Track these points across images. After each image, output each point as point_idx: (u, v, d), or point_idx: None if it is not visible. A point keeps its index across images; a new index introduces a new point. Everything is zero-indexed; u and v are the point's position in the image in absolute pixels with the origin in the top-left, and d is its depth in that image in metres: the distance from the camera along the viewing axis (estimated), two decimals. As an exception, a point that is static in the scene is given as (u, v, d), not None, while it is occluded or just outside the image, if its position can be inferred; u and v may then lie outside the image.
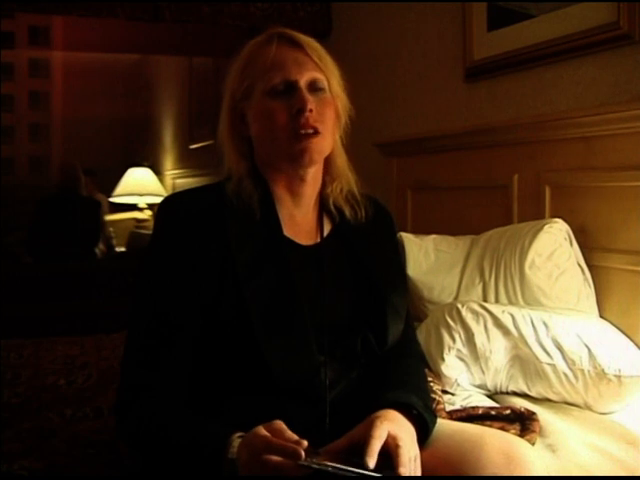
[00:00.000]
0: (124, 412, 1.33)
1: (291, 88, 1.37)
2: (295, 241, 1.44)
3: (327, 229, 1.50)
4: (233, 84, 1.44)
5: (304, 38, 1.42)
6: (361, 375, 1.43)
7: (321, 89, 1.39)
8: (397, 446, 1.21)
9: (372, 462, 1.18)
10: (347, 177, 1.51)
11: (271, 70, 1.37)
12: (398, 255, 1.63)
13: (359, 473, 1.15)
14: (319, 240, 1.48)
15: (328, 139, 1.41)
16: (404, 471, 1.19)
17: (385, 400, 1.32)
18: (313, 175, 1.45)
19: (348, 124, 1.50)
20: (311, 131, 1.36)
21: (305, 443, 1.12)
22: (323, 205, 1.51)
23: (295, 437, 1.14)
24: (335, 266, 1.47)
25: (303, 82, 1.37)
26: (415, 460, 1.24)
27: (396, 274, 1.55)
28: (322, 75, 1.40)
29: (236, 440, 1.18)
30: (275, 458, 1.11)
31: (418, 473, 1.23)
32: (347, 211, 1.50)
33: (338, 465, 1.14)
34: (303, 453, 1.10)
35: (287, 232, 1.43)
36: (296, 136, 1.36)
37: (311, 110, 1.35)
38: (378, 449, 1.20)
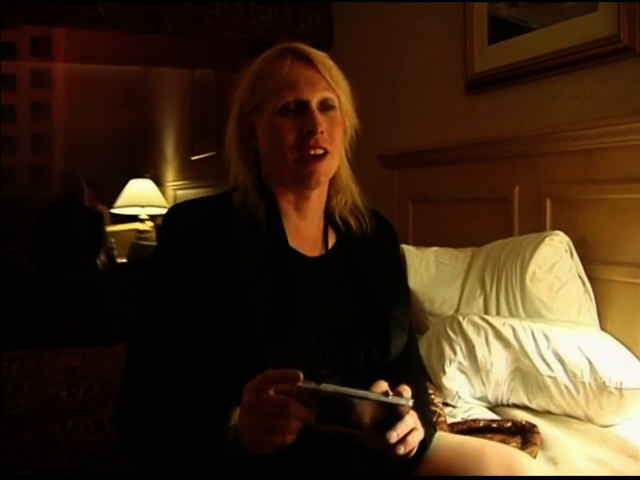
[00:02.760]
0: (124, 417, 1.32)
1: (302, 107, 1.37)
2: (300, 252, 1.44)
3: (332, 241, 1.51)
4: (243, 96, 1.44)
5: (317, 54, 1.41)
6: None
7: (332, 107, 1.40)
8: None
9: (379, 390, 1.18)
10: (351, 189, 1.52)
11: (283, 88, 1.37)
12: (401, 269, 1.64)
13: (364, 395, 1.10)
14: (324, 252, 1.48)
15: (335, 158, 1.42)
16: (406, 394, 1.19)
17: None
18: (318, 193, 1.46)
19: (354, 138, 1.50)
20: (320, 152, 1.37)
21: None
22: (328, 217, 1.52)
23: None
24: (339, 278, 1.47)
25: (315, 102, 1.37)
26: (417, 430, 1.23)
27: (399, 287, 1.56)
28: (333, 94, 1.40)
29: (237, 410, 1.16)
30: (272, 393, 1.09)
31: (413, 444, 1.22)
32: (353, 223, 1.51)
33: (341, 387, 1.09)
34: (302, 375, 1.07)
35: (292, 243, 1.43)
36: (304, 159, 1.37)
37: (322, 132, 1.36)
38: (386, 385, 1.21)
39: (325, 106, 1.39)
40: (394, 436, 1.15)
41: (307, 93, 1.37)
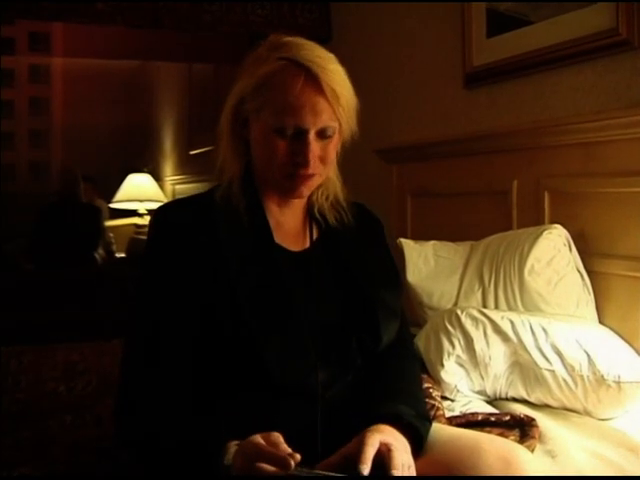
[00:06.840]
0: (123, 413, 1.33)
1: (300, 133, 1.35)
2: (284, 247, 1.45)
3: (316, 235, 1.52)
4: (245, 91, 1.39)
5: (329, 79, 1.34)
6: (357, 378, 1.44)
7: (330, 135, 1.38)
8: (390, 450, 1.22)
9: (366, 469, 1.18)
10: (333, 184, 1.53)
11: (287, 111, 1.33)
12: (390, 258, 1.62)
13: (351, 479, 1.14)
14: (308, 246, 1.49)
15: (324, 175, 1.43)
16: (398, 473, 1.19)
17: (374, 413, 1.33)
18: None
19: (347, 141, 1.47)
20: (310, 172, 1.37)
21: (298, 456, 1.12)
22: (310, 211, 1.53)
23: (289, 450, 1.14)
24: (325, 270, 1.48)
25: (314, 131, 1.35)
26: (409, 469, 1.24)
27: (387, 275, 1.56)
28: (335, 123, 1.37)
29: (232, 447, 1.19)
30: (267, 466, 1.12)
31: None
32: (331, 217, 1.52)
33: (329, 473, 1.14)
34: (293, 463, 1.11)
35: (276, 238, 1.44)
36: (292, 177, 1.37)
37: (314, 159, 1.36)
38: (371, 456, 1.20)
39: (324, 134, 1.36)
40: None
41: (308, 122, 1.34)
